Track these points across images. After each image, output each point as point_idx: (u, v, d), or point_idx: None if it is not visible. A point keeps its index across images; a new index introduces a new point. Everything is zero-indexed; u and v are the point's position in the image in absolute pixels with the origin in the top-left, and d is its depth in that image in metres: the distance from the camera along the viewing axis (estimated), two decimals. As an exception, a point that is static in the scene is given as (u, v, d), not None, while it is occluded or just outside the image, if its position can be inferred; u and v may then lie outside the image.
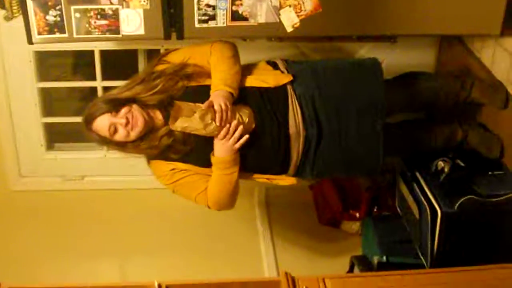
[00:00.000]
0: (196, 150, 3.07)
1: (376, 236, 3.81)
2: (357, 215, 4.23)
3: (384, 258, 3.60)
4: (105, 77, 4.20)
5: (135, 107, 3.02)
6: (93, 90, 4.28)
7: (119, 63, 4.26)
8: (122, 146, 3.09)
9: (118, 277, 4.17)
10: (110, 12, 3.09)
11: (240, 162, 3.07)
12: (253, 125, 3.05)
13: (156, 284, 2.61)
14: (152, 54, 4.13)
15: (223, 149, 2.98)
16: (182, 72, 3.09)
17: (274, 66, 3.26)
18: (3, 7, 3.13)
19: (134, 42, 3.87)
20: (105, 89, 4.10)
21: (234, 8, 3.14)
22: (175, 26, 3.20)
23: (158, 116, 3.08)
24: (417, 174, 3.42)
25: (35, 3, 3.06)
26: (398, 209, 3.70)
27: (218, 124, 2.93)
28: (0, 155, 4.47)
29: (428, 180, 3.35)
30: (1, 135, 4.39)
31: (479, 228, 3.24)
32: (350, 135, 3.16)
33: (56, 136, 4.60)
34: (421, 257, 3.42)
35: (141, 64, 4.19)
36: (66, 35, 3.15)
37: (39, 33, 3.14)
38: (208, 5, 3.13)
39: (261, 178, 3.23)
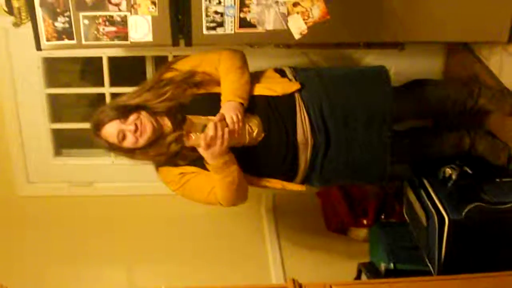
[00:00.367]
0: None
1: (383, 243, 3.80)
2: (365, 222, 4.22)
3: (392, 265, 3.60)
4: (113, 84, 4.21)
5: (143, 114, 3.03)
6: (101, 96, 4.28)
7: (127, 69, 4.27)
8: (130, 153, 3.09)
9: (125, 283, 4.19)
10: (119, 19, 3.10)
11: (249, 169, 3.08)
12: (262, 135, 3.05)
13: (163, 291, 2.61)
14: (160, 61, 4.13)
15: (212, 156, 2.95)
16: (191, 80, 3.10)
17: (282, 74, 3.26)
18: (12, 14, 3.14)
19: (142, 48, 3.88)
20: (113, 95, 4.11)
21: (242, 15, 3.14)
22: (183, 33, 3.21)
23: (167, 123, 3.09)
24: (425, 181, 3.41)
25: (43, 10, 3.07)
26: (406, 216, 3.69)
27: (230, 135, 2.92)
28: (8, 160, 4.48)
29: (435, 187, 3.34)
30: (9, 141, 4.40)
31: (486, 235, 3.24)
32: (358, 143, 3.16)
33: (64, 142, 4.61)
34: (429, 264, 3.41)
35: (149, 71, 4.20)
36: (74, 41, 3.16)
37: (48, 40, 3.15)
38: (216, 12, 3.13)
39: (269, 184, 3.22)
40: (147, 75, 4.17)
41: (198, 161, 3.07)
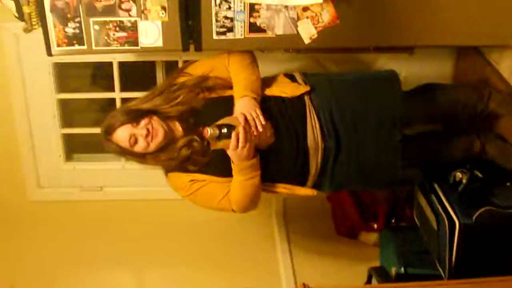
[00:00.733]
0: (214, 161, 3.07)
1: (394, 247, 3.80)
2: (375, 226, 4.22)
3: (402, 269, 3.60)
4: (123, 89, 4.23)
5: (155, 118, 3.04)
6: (112, 101, 4.30)
7: (138, 74, 4.28)
8: (141, 157, 3.10)
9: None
10: (129, 24, 3.11)
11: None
12: (273, 139, 3.06)
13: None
14: (170, 66, 4.14)
15: (241, 157, 2.95)
16: (203, 84, 3.11)
17: (292, 79, 3.26)
18: (23, 19, 3.15)
19: (153, 54, 3.89)
20: (124, 100, 4.12)
21: (252, 20, 3.14)
22: (193, 38, 3.21)
23: (178, 127, 3.10)
24: (435, 185, 3.41)
25: (54, 16, 3.08)
26: (416, 220, 3.69)
27: (256, 133, 2.92)
28: (19, 165, 4.50)
29: (446, 191, 3.34)
30: (20, 146, 4.42)
31: (497, 239, 3.23)
32: (368, 148, 3.16)
33: (74, 147, 4.63)
34: (439, 268, 3.41)
35: (159, 76, 4.21)
36: (85, 47, 3.17)
37: (58, 45, 3.16)
38: (226, 17, 3.14)
39: (280, 189, 3.22)
40: (157, 80, 4.18)
41: (209, 168, 3.08)
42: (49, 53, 3.20)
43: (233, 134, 2.86)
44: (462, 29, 3.34)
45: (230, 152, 2.94)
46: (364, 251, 4.25)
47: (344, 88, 3.21)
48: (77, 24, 3.10)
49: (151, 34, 3.14)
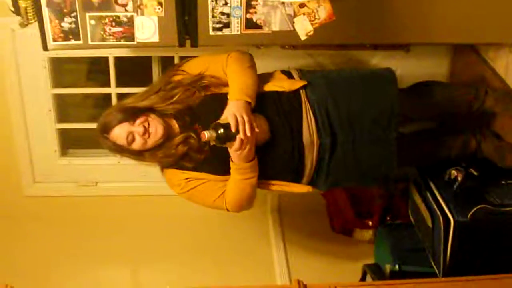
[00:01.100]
0: (210, 159, 3.07)
1: (388, 244, 3.80)
2: (370, 223, 4.22)
3: (397, 266, 3.60)
4: (119, 84, 4.22)
5: (153, 116, 3.04)
6: (107, 96, 4.29)
7: (133, 70, 4.28)
8: (138, 155, 3.11)
9: (130, 283, 4.19)
10: (125, 19, 3.11)
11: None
12: (268, 136, 3.06)
13: (168, 291, 2.62)
14: (166, 61, 4.14)
15: (241, 157, 2.95)
16: (199, 83, 3.10)
17: (289, 75, 3.26)
18: (19, 14, 3.14)
19: (149, 49, 3.88)
20: (119, 95, 4.12)
21: (248, 16, 3.14)
22: (189, 33, 3.21)
23: (174, 125, 3.10)
24: (430, 183, 3.41)
25: (50, 10, 3.08)
26: (411, 218, 3.69)
27: (242, 136, 2.91)
28: (14, 160, 4.49)
29: (441, 189, 3.34)
30: (15, 141, 4.41)
31: (492, 237, 3.23)
32: (364, 145, 3.16)
33: (70, 142, 4.62)
34: (434, 266, 3.41)
35: (155, 71, 4.20)
36: (81, 42, 3.16)
37: (54, 40, 3.15)
38: (222, 13, 3.13)
39: (275, 186, 3.23)
40: (153, 76, 4.18)
41: (205, 165, 3.08)
42: (45, 48, 3.19)
43: (238, 137, 2.86)
44: (458, 27, 3.34)
45: (232, 153, 2.94)
46: (359, 248, 4.26)
47: (340, 86, 3.21)
48: (73, 19, 3.09)
49: (147, 29, 3.14)
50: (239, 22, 3.16)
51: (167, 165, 3.16)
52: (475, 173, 3.33)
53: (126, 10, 3.09)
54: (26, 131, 4.39)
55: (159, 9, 3.10)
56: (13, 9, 3.15)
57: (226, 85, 3.11)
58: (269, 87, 3.15)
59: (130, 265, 4.32)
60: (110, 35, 3.14)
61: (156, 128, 3.03)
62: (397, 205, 4.19)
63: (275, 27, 3.18)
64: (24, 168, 4.53)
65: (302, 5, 3.12)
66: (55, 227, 4.41)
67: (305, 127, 3.10)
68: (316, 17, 3.16)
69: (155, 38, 3.18)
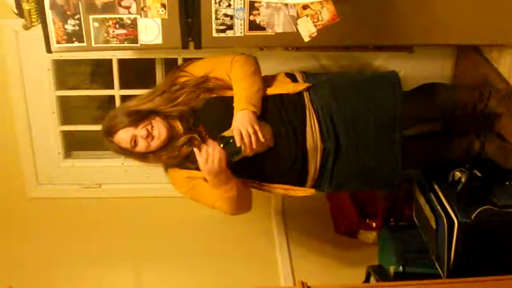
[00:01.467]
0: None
1: (392, 246, 3.80)
2: (374, 224, 4.22)
3: (401, 268, 3.60)
4: (122, 86, 4.22)
5: (157, 119, 3.06)
6: (111, 98, 4.30)
7: (137, 71, 4.28)
8: (143, 157, 3.12)
9: (133, 285, 4.19)
10: (129, 22, 3.11)
11: (258, 176, 3.11)
12: (272, 143, 3.06)
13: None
14: (170, 63, 4.14)
15: (208, 173, 2.95)
16: (204, 85, 3.11)
17: (293, 78, 3.26)
18: (22, 16, 3.15)
19: (152, 51, 3.89)
20: (123, 97, 4.12)
21: (251, 17, 3.14)
22: (192, 35, 3.21)
23: (178, 125, 3.10)
24: (434, 184, 3.41)
25: (54, 12, 3.08)
26: (415, 219, 3.69)
27: (249, 151, 2.93)
28: (18, 162, 4.49)
29: (445, 190, 3.34)
30: (19, 143, 4.41)
31: (496, 238, 3.23)
32: (368, 149, 3.16)
33: (73, 144, 4.62)
34: (438, 267, 3.41)
35: (159, 73, 4.20)
36: (84, 44, 3.17)
37: (58, 42, 3.16)
38: (225, 15, 3.14)
39: (279, 189, 3.23)
40: (156, 78, 4.18)
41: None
42: (49, 50, 3.20)
43: (202, 150, 2.89)
44: (461, 28, 3.34)
45: (200, 168, 2.95)
46: (363, 250, 4.25)
47: (344, 89, 3.21)
48: (77, 21, 3.10)
49: (151, 31, 3.14)
50: (243, 24, 3.16)
51: (172, 166, 3.18)
52: (479, 174, 3.32)
53: (129, 12, 3.09)
54: (29, 133, 4.39)
55: (162, 11, 3.10)
56: (16, 11, 3.15)
57: (230, 87, 3.11)
58: (273, 90, 3.15)
59: (134, 267, 4.31)
60: (113, 37, 3.15)
61: (160, 130, 3.04)
62: (401, 206, 4.18)
63: (279, 29, 3.18)
64: (28, 170, 4.54)
65: (305, 7, 3.12)
66: (59, 229, 4.40)
67: (309, 132, 3.11)
68: (320, 18, 3.16)
69: (159, 40, 3.18)
